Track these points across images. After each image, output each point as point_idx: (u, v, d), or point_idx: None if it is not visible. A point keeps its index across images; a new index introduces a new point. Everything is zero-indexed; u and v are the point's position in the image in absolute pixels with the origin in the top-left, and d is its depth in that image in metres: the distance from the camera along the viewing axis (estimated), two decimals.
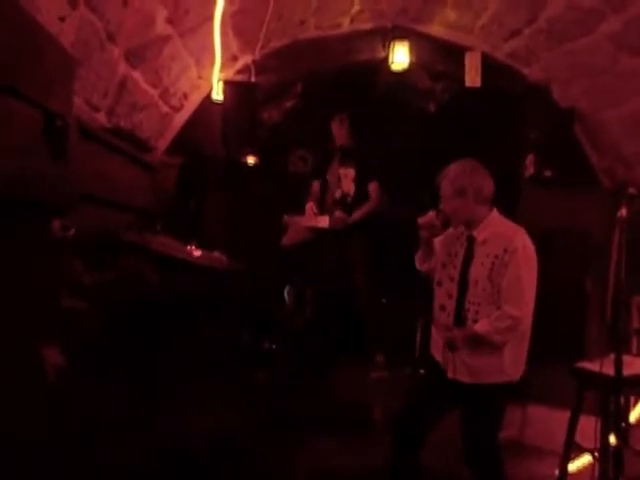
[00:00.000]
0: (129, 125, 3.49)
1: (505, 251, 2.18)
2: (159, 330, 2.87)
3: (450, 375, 2.29)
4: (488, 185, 2.30)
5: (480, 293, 2.22)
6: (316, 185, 4.45)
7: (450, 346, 2.24)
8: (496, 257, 2.20)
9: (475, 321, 2.22)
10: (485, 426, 2.26)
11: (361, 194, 4.23)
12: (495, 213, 2.32)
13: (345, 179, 4.29)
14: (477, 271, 2.24)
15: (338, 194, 4.31)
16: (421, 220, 2.37)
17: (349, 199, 4.26)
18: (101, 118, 3.16)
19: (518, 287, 2.17)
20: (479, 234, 2.28)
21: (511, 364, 2.23)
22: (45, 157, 1.98)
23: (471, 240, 2.30)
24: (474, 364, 2.22)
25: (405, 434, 2.37)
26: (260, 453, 2.98)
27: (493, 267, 2.19)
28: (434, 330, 2.43)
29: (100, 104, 3.09)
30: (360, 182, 4.24)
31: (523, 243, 2.21)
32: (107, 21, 2.67)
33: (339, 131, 4.29)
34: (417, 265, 2.56)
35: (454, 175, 2.30)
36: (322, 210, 4.33)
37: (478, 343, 2.19)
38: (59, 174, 2.06)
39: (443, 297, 2.36)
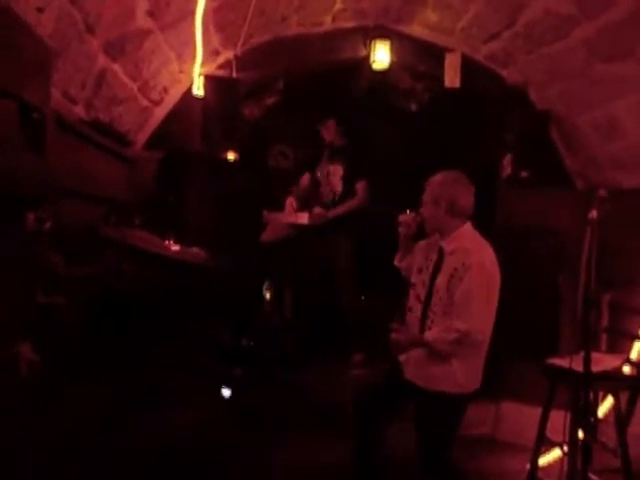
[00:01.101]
0: (107, 118, 3.45)
1: (463, 265, 2.24)
2: (137, 325, 2.86)
3: (406, 376, 2.36)
4: (465, 199, 2.33)
5: (437, 302, 2.29)
6: (305, 178, 4.45)
7: (395, 348, 2.32)
8: (455, 270, 2.26)
9: (430, 329, 2.29)
10: (435, 434, 2.30)
11: (349, 193, 4.24)
12: (467, 226, 2.37)
13: (333, 177, 4.31)
14: (440, 281, 2.31)
15: (326, 191, 4.32)
16: (400, 217, 2.48)
17: (336, 198, 4.27)
18: (79, 111, 3.12)
19: (468, 302, 2.21)
20: (447, 245, 2.35)
21: (463, 375, 2.28)
22: (21, 149, 1.96)
23: (441, 251, 2.37)
24: (427, 370, 2.29)
25: (364, 429, 2.43)
26: (237, 450, 2.99)
27: (451, 279, 2.25)
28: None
29: (78, 96, 3.05)
30: (348, 181, 4.25)
31: (480, 260, 2.25)
32: (86, 12, 2.64)
33: (327, 134, 4.33)
34: (395, 261, 2.65)
35: (435, 184, 2.37)
36: (307, 205, 4.34)
37: (429, 350, 2.26)
38: (36, 166, 2.05)
39: (414, 300, 2.42)
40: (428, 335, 2.27)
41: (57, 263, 2.49)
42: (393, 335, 2.33)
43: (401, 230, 2.49)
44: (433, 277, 2.35)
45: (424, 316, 2.34)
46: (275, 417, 3.38)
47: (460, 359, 2.26)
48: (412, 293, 2.44)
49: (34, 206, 2.08)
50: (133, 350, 2.85)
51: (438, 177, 2.38)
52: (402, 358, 2.39)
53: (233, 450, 2.99)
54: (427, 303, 2.34)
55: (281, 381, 3.81)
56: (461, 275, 2.22)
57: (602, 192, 2.23)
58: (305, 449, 3.14)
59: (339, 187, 4.28)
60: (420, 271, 2.44)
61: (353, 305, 4.28)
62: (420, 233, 2.52)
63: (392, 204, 2.68)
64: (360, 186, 4.22)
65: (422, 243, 2.52)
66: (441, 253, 2.36)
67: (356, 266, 4.24)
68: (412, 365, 2.34)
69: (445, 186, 2.34)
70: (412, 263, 2.52)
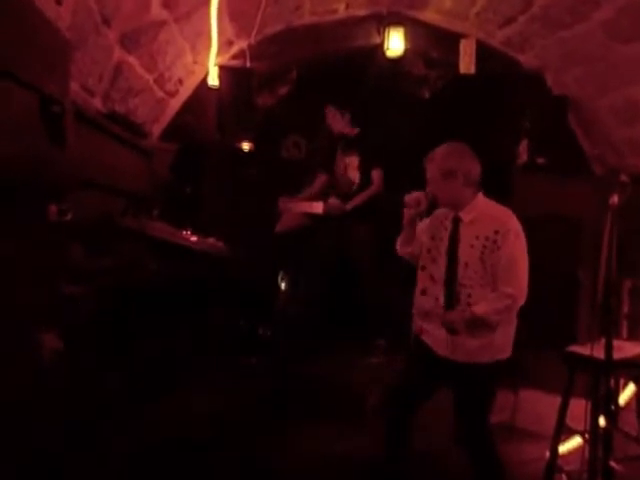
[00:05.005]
0: (124, 110, 3.47)
1: (496, 233, 2.19)
2: (156, 315, 2.89)
3: (444, 354, 2.29)
4: (476, 168, 2.31)
5: (472, 275, 2.22)
6: (322, 177, 4.44)
7: (450, 330, 2.24)
8: (487, 239, 2.20)
9: (468, 304, 2.22)
10: (478, 405, 2.29)
11: (366, 182, 4.21)
12: (481, 195, 2.33)
13: (350, 168, 4.28)
14: (466, 253, 2.24)
15: (343, 183, 4.30)
16: (408, 197, 2.36)
17: (354, 187, 4.24)
18: (96, 103, 3.14)
19: (513, 267, 2.19)
20: (465, 215, 2.29)
21: (501, 343, 2.27)
22: (43, 141, 1.98)
23: (457, 221, 2.30)
24: (468, 344, 2.24)
25: (396, 417, 2.41)
26: (253, 438, 2.99)
27: (484, 249, 2.20)
28: (416, 315, 2.42)
29: (95, 89, 3.07)
30: (365, 170, 4.22)
31: (515, 224, 2.23)
32: (102, 5, 2.65)
33: (332, 122, 4.28)
34: (398, 249, 2.54)
35: (442, 157, 2.30)
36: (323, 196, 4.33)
37: (476, 325, 2.21)
38: (57, 158, 2.07)
39: (426, 281, 2.36)
40: (477, 309, 2.20)
41: (77, 254, 2.53)
42: (448, 316, 2.26)
43: (408, 211, 2.38)
44: (451, 249, 2.28)
45: (449, 293, 2.27)
46: (292, 406, 3.39)
47: (502, 326, 2.23)
48: (422, 275, 2.37)
49: (56, 198, 2.10)
50: (151, 339, 2.88)
51: (445, 150, 2.32)
52: (434, 340, 2.34)
53: (249, 438, 2.99)
54: (450, 279, 2.27)
55: (298, 370, 3.82)
56: (499, 243, 2.18)
57: (623, 177, 2.19)
58: (322, 438, 3.12)
59: (357, 178, 4.25)
60: (429, 251, 2.36)
61: (374, 293, 4.26)
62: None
63: (406, 191, 2.61)
64: (376, 174, 4.20)
65: (423, 224, 2.44)
66: (456, 223, 2.30)
67: (375, 254, 4.23)
68: (451, 343, 2.27)
69: (457, 158, 2.29)
70: (417, 247, 2.44)
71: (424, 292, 2.36)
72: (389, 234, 2.61)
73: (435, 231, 2.38)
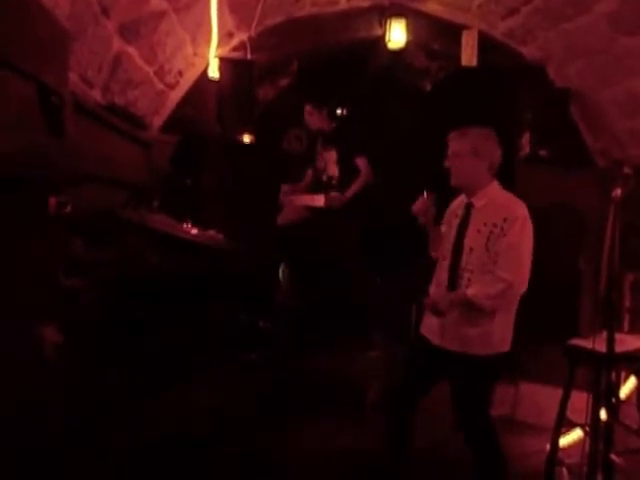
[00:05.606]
0: (123, 102, 3.45)
1: (505, 220, 2.19)
2: (156, 309, 2.88)
3: (438, 342, 2.29)
4: (500, 156, 2.33)
5: (475, 261, 2.22)
6: (310, 174, 4.47)
7: (435, 311, 2.24)
8: (494, 226, 2.20)
9: (467, 287, 2.23)
10: (475, 398, 2.28)
11: (345, 175, 4.23)
12: (496, 183, 2.34)
13: (329, 162, 4.31)
14: (472, 238, 2.25)
15: (324, 177, 4.33)
16: (414, 208, 2.40)
17: (334, 182, 4.28)
18: (96, 94, 3.12)
19: (514, 254, 2.17)
20: (478, 201, 2.30)
21: (499, 335, 2.25)
22: (42, 133, 1.96)
23: (469, 207, 2.31)
24: (463, 333, 2.23)
25: (397, 415, 2.42)
26: (257, 436, 3.01)
27: (491, 235, 2.20)
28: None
29: (95, 80, 3.05)
30: (343, 164, 4.25)
31: (524, 213, 2.23)
32: None
33: (310, 120, 4.32)
34: (432, 253, 2.55)
35: (477, 136, 2.30)
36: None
37: (469, 310, 2.20)
38: (56, 150, 2.05)
39: (441, 269, 2.37)
40: (469, 291, 2.19)
41: (78, 247, 2.52)
42: (430, 297, 2.27)
43: (421, 219, 2.42)
44: (459, 234, 2.29)
45: (452, 278, 2.27)
46: (292, 401, 3.40)
47: (498, 317, 2.22)
48: (442, 264, 2.37)
49: (55, 190, 2.08)
50: (151, 333, 2.88)
51: (480, 130, 2.32)
52: (430, 328, 2.34)
53: (249, 434, 3.00)
54: (455, 264, 2.27)
55: (298, 364, 3.82)
56: (505, 230, 2.18)
57: (626, 169, 2.18)
58: (322, 433, 3.14)
59: (336, 172, 4.28)
60: (447, 242, 2.39)
61: (366, 289, 4.27)
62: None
63: (407, 183, 2.60)
64: (361, 163, 4.21)
65: (442, 227, 2.47)
66: (469, 209, 2.31)
67: (361, 249, 4.24)
68: (446, 330, 2.27)
69: (487, 140, 2.30)
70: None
71: (438, 283, 2.38)
72: (383, 229, 2.61)
73: (449, 221, 2.41)
